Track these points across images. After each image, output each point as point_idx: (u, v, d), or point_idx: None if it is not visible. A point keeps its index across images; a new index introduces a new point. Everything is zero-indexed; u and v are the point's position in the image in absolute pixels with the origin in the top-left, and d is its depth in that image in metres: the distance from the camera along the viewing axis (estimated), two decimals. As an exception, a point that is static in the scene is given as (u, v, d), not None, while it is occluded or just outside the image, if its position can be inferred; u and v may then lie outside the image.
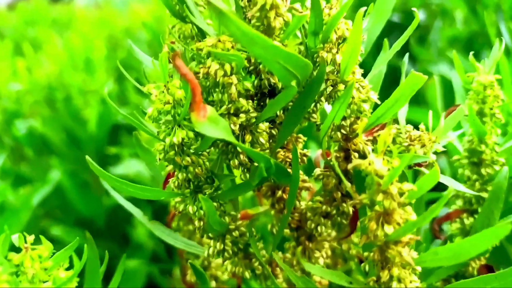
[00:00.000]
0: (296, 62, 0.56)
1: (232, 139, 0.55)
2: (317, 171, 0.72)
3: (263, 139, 0.64)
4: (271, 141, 0.70)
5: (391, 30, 2.39)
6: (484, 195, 0.80)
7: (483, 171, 0.80)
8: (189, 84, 0.52)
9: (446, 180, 0.66)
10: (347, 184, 0.68)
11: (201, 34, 0.66)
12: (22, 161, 2.12)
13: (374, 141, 0.69)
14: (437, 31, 2.12)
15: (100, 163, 2.01)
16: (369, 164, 0.52)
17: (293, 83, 0.56)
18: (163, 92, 0.59)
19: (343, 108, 0.61)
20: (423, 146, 0.64)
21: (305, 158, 0.75)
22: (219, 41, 0.59)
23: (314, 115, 0.70)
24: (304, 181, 0.76)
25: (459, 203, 0.84)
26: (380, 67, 0.68)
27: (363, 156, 0.68)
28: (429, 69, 1.93)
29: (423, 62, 1.98)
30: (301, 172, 0.75)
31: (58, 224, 1.83)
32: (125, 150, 1.84)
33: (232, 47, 0.59)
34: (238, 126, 0.62)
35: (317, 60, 0.65)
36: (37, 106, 2.12)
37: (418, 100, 1.73)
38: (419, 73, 0.60)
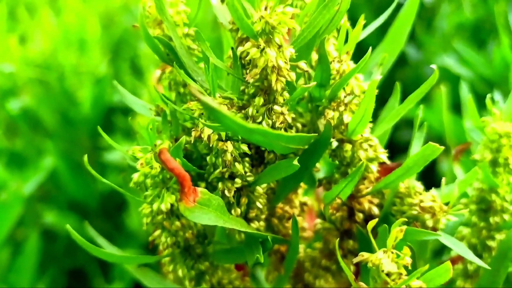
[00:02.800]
0: (299, 140, 0.49)
1: (224, 223, 0.49)
2: (318, 224, 0.66)
3: (260, 203, 0.57)
4: (269, 191, 0.64)
5: (396, 11, 2.29)
6: (491, 243, 0.75)
7: (491, 219, 0.74)
8: (177, 178, 0.45)
9: (453, 245, 0.60)
10: (350, 244, 0.63)
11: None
12: (17, 138, 2.06)
13: (381, 200, 0.63)
14: (444, 16, 2.02)
15: (93, 147, 1.95)
16: (377, 262, 0.46)
17: (295, 161, 0.49)
18: (149, 158, 0.52)
19: (350, 186, 0.54)
20: (433, 216, 0.58)
21: (305, 207, 0.69)
22: (216, 102, 0.51)
23: (317, 165, 0.64)
24: (302, 229, 0.70)
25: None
26: (395, 120, 0.60)
27: (368, 217, 0.62)
28: (435, 60, 1.84)
29: (428, 52, 1.89)
30: (300, 219, 0.70)
31: (52, 208, 1.79)
32: (119, 135, 1.78)
33: (229, 109, 0.52)
34: (233, 192, 0.55)
35: (322, 113, 0.58)
36: (30, 85, 2.04)
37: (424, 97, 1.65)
38: (435, 144, 0.53)
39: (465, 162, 0.84)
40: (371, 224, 0.48)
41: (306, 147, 0.57)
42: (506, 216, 0.74)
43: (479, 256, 0.78)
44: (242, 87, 0.55)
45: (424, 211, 0.58)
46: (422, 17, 2.06)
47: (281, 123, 0.53)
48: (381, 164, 0.62)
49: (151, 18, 0.58)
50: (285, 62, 0.50)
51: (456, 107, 1.44)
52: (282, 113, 0.52)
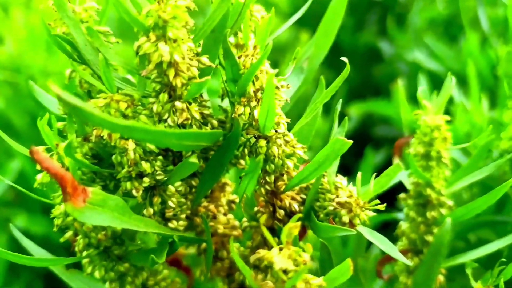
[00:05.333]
0: (196, 137, 0.47)
1: (121, 224, 0.48)
2: (244, 223, 0.65)
3: (172, 202, 0.56)
4: (192, 190, 0.62)
5: (370, 7, 2.27)
6: (429, 238, 0.74)
7: (428, 214, 0.72)
8: (54, 178, 0.44)
9: (378, 241, 0.59)
10: (273, 243, 0.61)
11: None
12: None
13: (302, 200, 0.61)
14: (417, 12, 2.01)
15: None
16: (271, 259, 0.45)
17: (193, 158, 0.48)
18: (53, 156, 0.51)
19: (253, 182, 0.53)
20: (350, 212, 0.56)
21: (233, 205, 0.68)
22: (113, 100, 0.50)
23: (241, 161, 0.62)
24: (233, 227, 0.68)
25: (404, 242, 0.77)
26: (312, 114, 0.59)
27: (289, 214, 0.60)
28: (406, 55, 1.84)
29: (400, 47, 1.88)
30: (231, 217, 0.68)
31: (23, 212, 1.77)
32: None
33: (129, 106, 0.51)
34: (141, 192, 0.54)
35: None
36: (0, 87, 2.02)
37: (386, 91, 1.65)
38: (342, 137, 0.52)
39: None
40: (292, 221, 0.46)
41: (219, 144, 0.56)
42: (443, 211, 0.73)
43: (419, 251, 0.77)
44: (152, 85, 0.53)
45: (340, 206, 0.57)
46: (396, 13, 2.05)
47: (185, 119, 0.51)
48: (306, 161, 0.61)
49: (56, 15, 0.57)
50: (182, 58, 0.49)
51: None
52: (183, 110, 0.50)
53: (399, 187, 0.76)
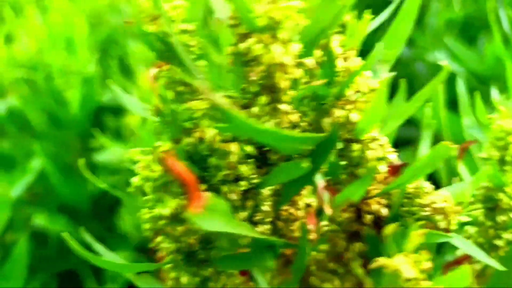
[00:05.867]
0: (309, 141, 0.46)
1: (233, 229, 0.46)
2: (324, 227, 0.63)
3: (266, 206, 0.54)
4: (273, 193, 0.61)
5: (386, 7, 2.27)
6: (498, 242, 0.73)
7: (498, 218, 0.71)
8: (183, 183, 0.42)
9: (466, 247, 0.58)
10: (358, 247, 0.60)
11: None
12: (3, 140, 2.01)
13: (388, 200, 0.60)
14: (434, 13, 2.01)
15: (83, 148, 1.90)
16: (396, 267, 0.44)
17: (305, 163, 0.46)
18: (150, 161, 0.49)
19: (362, 188, 0.51)
20: (445, 217, 0.55)
21: (310, 209, 0.66)
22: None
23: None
24: (307, 231, 0.67)
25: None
26: (398, 117, 0.58)
27: (377, 220, 0.59)
28: (426, 56, 1.83)
29: (419, 49, 1.88)
30: (306, 221, 0.67)
31: (42, 210, 1.74)
32: (109, 136, 1.74)
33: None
34: (238, 195, 0.52)
35: (328, 112, 0.55)
36: (17, 85, 1.99)
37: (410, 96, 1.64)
38: (447, 142, 0.51)
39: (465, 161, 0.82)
40: (390, 228, 0.45)
41: (312, 147, 0.54)
42: (513, 215, 0.72)
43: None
44: (243, 85, 0.51)
45: (437, 212, 0.55)
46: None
47: (287, 123, 0.50)
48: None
49: (146, 13, 0.54)
50: (291, 59, 0.47)
51: (450, 104, 1.42)
52: (287, 113, 0.49)
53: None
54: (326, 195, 0.65)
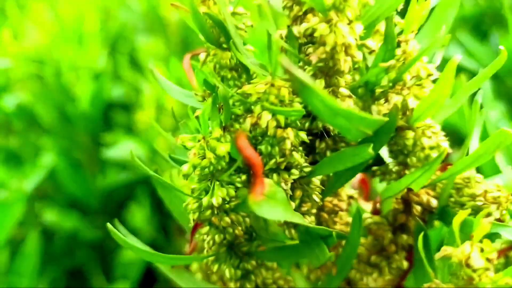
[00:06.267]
0: (376, 124, 0.43)
1: (292, 218, 0.43)
2: (368, 219, 0.61)
3: (316, 196, 0.52)
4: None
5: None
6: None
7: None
8: (251, 167, 0.39)
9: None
10: (404, 239, 0.58)
11: (244, 67, 0.52)
12: (11, 135, 1.97)
13: (434, 191, 0.58)
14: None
15: (94, 143, 1.86)
16: (465, 257, 0.41)
17: (370, 149, 0.44)
18: (202, 148, 0.47)
19: (426, 176, 0.49)
20: (498, 207, 0.53)
21: (352, 201, 0.64)
22: (272, 85, 0.46)
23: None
24: (348, 224, 0.64)
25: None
26: (453, 104, 0.55)
27: (425, 210, 0.57)
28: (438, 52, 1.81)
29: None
30: (344, 213, 0.64)
31: (52, 207, 1.71)
32: (119, 131, 1.71)
33: (289, 93, 0.46)
34: (289, 184, 0.49)
35: (379, 98, 0.53)
36: (26, 81, 1.96)
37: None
38: (508, 129, 0.48)
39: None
40: (458, 218, 0.43)
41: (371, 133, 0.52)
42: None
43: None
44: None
45: (490, 201, 0.53)
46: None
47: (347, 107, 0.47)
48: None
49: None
50: (355, 40, 0.44)
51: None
52: (349, 96, 0.46)
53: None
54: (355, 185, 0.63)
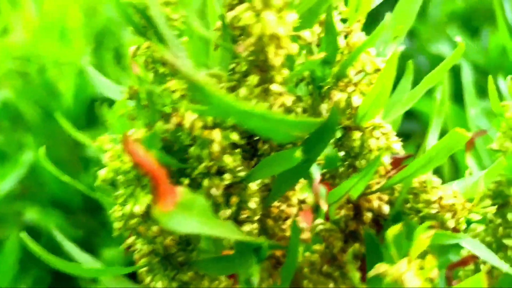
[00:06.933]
0: (305, 126, 0.39)
1: (211, 231, 0.39)
2: (319, 225, 0.56)
3: (253, 203, 0.47)
4: (263, 188, 0.53)
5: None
6: (508, 242, 0.65)
7: (509, 216, 0.64)
8: (147, 175, 0.34)
9: (475, 249, 0.51)
10: (356, 248, 0.53)
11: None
12: (-4, 132, 1.94)
13: (390, 196, 0.53)
14: (437, 4, 1.93)
15: (76, 141, 1.82)
16: (399, 276, 0.36)
17: (298, 152, 0.39)
18: (120, 150, 0.42)
19: (363, 182, 0.44)
20: (454, 215, 0.48)
21: (304, 206, 0.59)
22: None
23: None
24: (300, 230, 0.59)
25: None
26: (405, 103, 0.50)
27: (377, 217, 0.52)
28: (428, 48, 1.76)
29: (421, 40, 1.81)
30: (298, 219, 0.59)
31: (33, 205, 1.68)
32: (103, 129, 1.67)
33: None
34: (221, 190, 0.45)
35: (327, 95, 0.48)
36: (10, 77, 1.92)
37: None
38: (461, 129, 0.43)
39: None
40: (393, 230, 0.38)
41: (307, 135, 0.47)
42: (525, 212, 0.64)
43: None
44: (232, 65, 0.44)
45: (445, 209, 0.48)
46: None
47: (279, 106, 0.42)
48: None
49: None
50: (286, 31, 0.40)
51: (453, 96, 1.35)
52: (281, 94, 0.41)
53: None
54: (322, 190, 0.58)
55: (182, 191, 0.37)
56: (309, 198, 0.59)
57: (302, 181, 0.58)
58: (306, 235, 0.60)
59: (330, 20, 0.42)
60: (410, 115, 1.62)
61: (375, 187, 0.50)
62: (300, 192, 0.58)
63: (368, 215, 0.52)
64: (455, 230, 0.48)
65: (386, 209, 0.51)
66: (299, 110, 0.49)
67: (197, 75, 0.31)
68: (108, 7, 1.99)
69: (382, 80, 0.41)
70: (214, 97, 0.32)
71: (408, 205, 0.52)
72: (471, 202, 0.49)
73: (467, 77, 1.10)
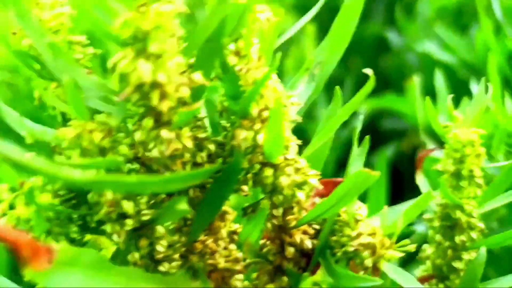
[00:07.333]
0: (185, 179, 0.37)
1: (97, 283, 0.37)
2: (247, 259, 0.55)
3: (161, 246, 0.46)
4: (188, 223, 0.52)
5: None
6: (457, 265, 0.63)
7: (457, 238, 0.62)
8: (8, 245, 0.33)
9: (404, 281, 0.49)
10: (285, 282, 0.51)
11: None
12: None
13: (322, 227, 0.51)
14: (426, 0, 1.89)
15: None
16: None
17: (183, 203, 0.37)
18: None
19: (257, 230, 0.42)
20: (373, 253, 0.46)
21: (235, 237, 0.57)
22: (85, 130, 0.39)
23: (244, 187, 0.52)
24: (236, 260, 0.58)
25: (428, 267, 0.67)
26: (326, 131, 0.48)
27: (302, 251, 0.50)
28: (416, 46, 1.72)
29: (409, 37, 1.77)
30: (233, 248, 0.58)
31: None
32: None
33: (105, 136, 0.40)
34: (123, 236, 0.43)
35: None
36: (-2, 88, 1.92)
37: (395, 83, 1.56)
38: (367, 169, 0.41)
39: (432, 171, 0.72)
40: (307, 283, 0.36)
41: (219, 174, 0.46)
42: (474, 234, 0.62)
43: (445, 277, 0.66)
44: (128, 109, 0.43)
45: (363, 247, 0.46)
46: (404, 1, 1.93)
47: (175, 150, 0.41)
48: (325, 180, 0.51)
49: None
50: (169, 77, 0.38)
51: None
52: (171, 140, 0.40)
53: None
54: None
55: (60, 249, 0.36)
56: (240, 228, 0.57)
57: (232, 212, 0.57)
58: (240, 266, 0.59)
59: (224, 60, 0.40)
60: (394, 114, 1.59)
61: (293, 223, 0.49)
62: (231, 223, 0.57)
63: (291, 250, 0.50)
64: (375, 268, 0.47)
65: (308, 244, 0.49)
66: (211, 147, 0.47)
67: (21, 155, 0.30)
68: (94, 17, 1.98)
69: (273, 118, 0.39)
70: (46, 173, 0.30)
71: (334, 238, 0.51)
72: (391, 237, 0.47)
73: (440, 82, 1.07)
